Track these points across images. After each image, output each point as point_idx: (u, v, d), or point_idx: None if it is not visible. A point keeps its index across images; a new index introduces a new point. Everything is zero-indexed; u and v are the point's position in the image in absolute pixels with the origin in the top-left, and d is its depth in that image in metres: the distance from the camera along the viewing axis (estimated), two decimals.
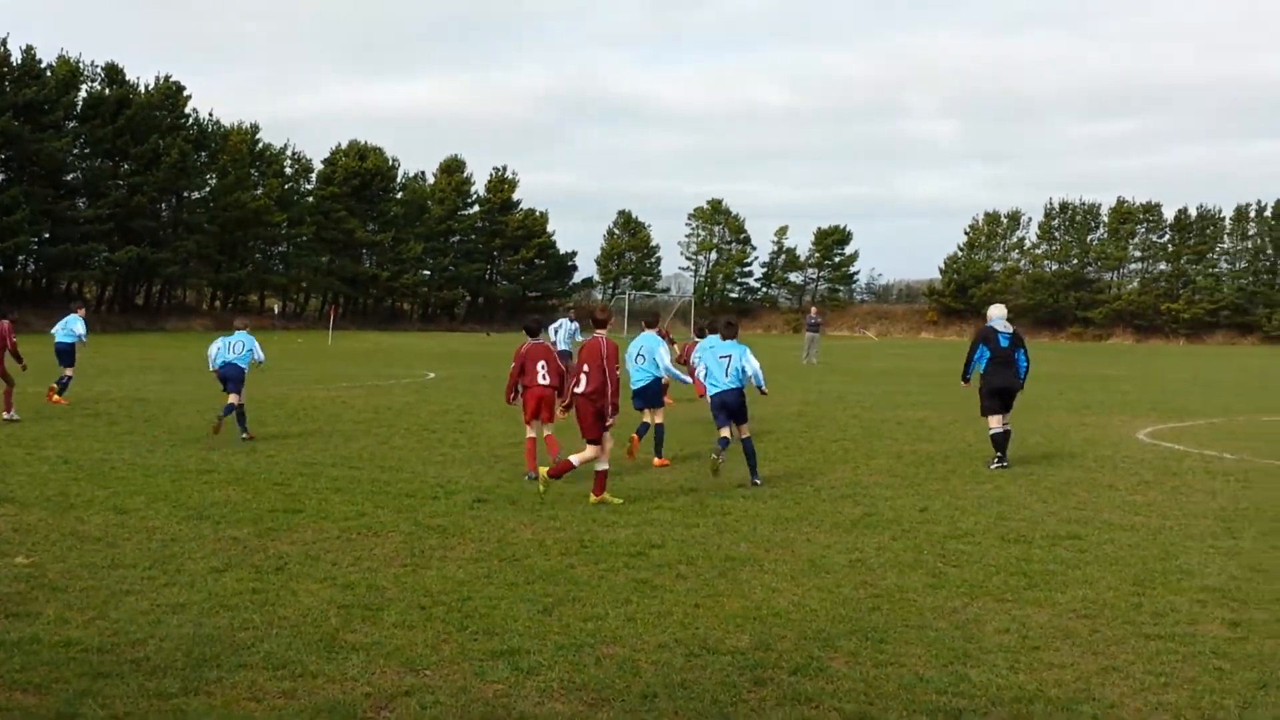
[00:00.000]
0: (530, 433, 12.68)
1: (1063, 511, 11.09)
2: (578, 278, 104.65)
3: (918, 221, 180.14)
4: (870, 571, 8.48)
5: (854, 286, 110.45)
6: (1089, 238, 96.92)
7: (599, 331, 11.46)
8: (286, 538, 9.23)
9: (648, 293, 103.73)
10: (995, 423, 14.35)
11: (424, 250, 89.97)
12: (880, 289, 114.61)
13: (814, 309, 47.39)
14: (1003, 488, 12.50)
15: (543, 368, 12.72)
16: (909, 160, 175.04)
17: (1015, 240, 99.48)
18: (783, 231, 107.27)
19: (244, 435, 15.69)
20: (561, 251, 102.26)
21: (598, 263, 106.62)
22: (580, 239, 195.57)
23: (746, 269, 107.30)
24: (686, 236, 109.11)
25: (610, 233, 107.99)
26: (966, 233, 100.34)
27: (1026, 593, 7.95)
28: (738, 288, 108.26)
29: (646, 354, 14.34)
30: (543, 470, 11.19)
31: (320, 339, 60.03)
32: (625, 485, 11.87)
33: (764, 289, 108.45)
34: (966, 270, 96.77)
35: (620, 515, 10.42)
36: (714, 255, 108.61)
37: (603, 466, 11.15)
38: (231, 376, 16.27)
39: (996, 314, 14.82)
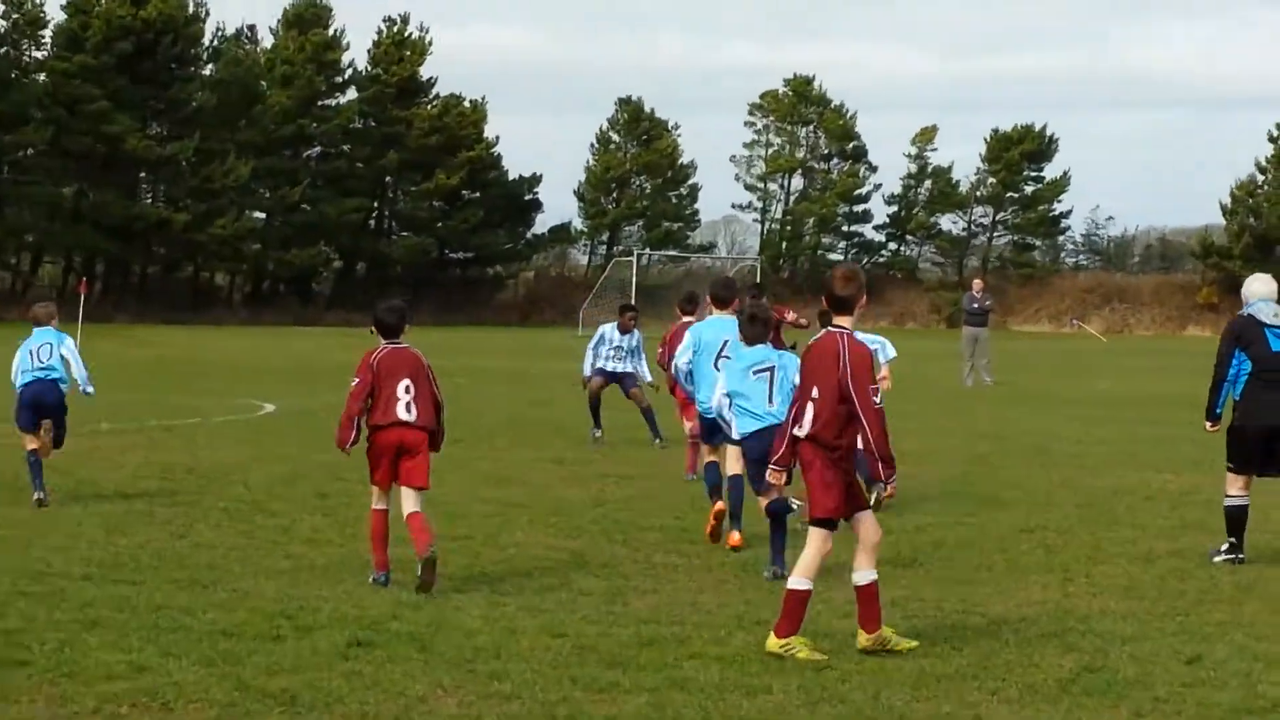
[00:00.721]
0: (379, 503, 13.27)
1: None
2: (543, 224, 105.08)
3: (1175, 115, 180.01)
4: None
5: (1062, 240, 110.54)
6: None
7: (839, 322, 11.25)
8: None
9: (675, 253, 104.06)
10: (1236, 488, 14.98)
11: (255, 173, 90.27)
12: (1109, 245, 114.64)
13: (978, 284, 47.37)
14: None
15: (408, 391, 13.12)
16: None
17: None
18: (928, 137, 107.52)
19: (37, 496, 17.26)
20: (512, 176, 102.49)
21: (581, 197, 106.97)
22: (548, 152, 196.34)
23: (860, 206, 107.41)
24: (747, 147, 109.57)
25: (603, 140, 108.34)
26: (1273, 138, 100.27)
27: None
28: (844, 242, 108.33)
29: (735, 352, 15.10)
30: (864, 639, 10.98)
31: None
32: (616, 614, 11.82)
33: (893, 244, 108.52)
34: (1274, 208, 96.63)
35: (625, 671, 10.43)
36: (799, 182, 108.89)
37: (865, 576, 11.03)
38: (48, 401, 17.46)
39: (1258, 292, 15.25)
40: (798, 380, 12.70)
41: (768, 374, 13.60)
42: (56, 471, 20.16)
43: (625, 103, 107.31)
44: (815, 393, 11.03)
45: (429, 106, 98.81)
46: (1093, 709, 9.77)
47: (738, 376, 14.17)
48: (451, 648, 11.01)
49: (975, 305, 44.27)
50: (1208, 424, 15.56)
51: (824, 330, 11.33)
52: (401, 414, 13.00)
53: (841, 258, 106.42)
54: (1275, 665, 10.96)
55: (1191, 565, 14.94)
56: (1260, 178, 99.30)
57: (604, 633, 11.51)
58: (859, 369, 10.89)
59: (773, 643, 10.89)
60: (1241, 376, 15.00)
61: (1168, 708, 9.82)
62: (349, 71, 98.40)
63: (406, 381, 13.08)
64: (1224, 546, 15.04)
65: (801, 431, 11.10)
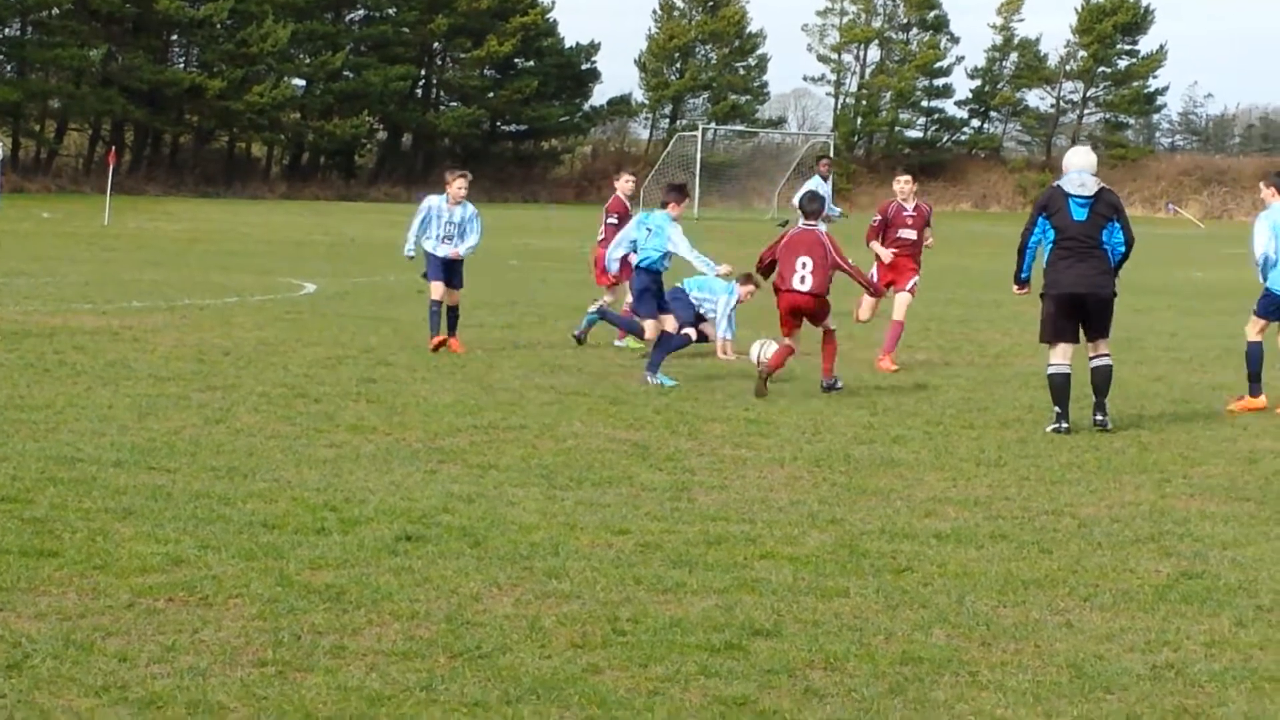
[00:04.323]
0: (788, 342, 18.31)
1: None
2: (601, 96, 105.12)
3: None
4: (1193, 693, 8.47)
5: (1157, 119, 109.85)
6: None
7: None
8: (28, 607, 9.31)
9: (742, 127, 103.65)
10: (1056, 356, 16.26)
11: (294, 37, 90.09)
12: (1208, 124, 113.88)
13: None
14: None
15: (804, 266, 17.98)
16: None
17: None
18: (1014, 6, 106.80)
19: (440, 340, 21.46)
20: (569, 44, 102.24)
21: (642, 67, 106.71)
22: (607, 19, 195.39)
23: (941, 80, 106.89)
24: (819, 15, 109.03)
25: (666, 6, 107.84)
26: None
27: None
28: (923, 118, 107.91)
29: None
30: None
31: (88, 211, 59.93)
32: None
33: (976, 121, 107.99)
34: None
35: (691, 571, 10.46)
36: (875, 53, 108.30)
37: None
38: (454, 269, 22.21)
39: (1076, 164, 16.52)
40: None
41: None
42: (84, 352, 20.28)
43: None
44: None
45: None
46: (1191, 617, 9.75)
47: None
48: (506, 543, 11.03)
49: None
50: (1015, 287, 17.21)
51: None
52: (795, 284, 18.03)
53: (920, 135, 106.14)
54: None
55: None
56: None
57: (669, 530, 11.55)
58: None
59: None
60: (1047, 245, 16.23)
61: (1272, 617, 9.78)
62: None
63: (805, 259, 17.91)
64: (1055, 421, 16.30)
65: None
